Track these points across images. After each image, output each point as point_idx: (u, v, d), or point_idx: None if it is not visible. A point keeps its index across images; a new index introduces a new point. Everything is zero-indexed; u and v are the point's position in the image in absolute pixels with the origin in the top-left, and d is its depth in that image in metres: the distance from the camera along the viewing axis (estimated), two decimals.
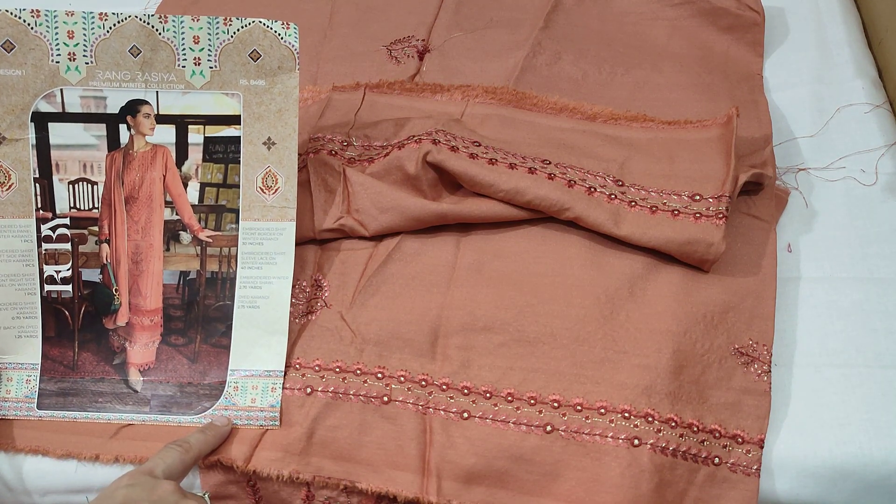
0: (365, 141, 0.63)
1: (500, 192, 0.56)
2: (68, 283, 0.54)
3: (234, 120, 0.53)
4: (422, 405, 0.51)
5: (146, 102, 0.53)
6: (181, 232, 0.55)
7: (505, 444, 0.49)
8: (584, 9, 0.75)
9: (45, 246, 0.54)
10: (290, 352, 0.53)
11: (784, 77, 0.69)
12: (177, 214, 0.54)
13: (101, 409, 0.53)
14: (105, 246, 0.54)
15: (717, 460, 0.48)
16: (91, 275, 0.54)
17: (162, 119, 0.53)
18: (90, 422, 0.53)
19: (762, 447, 0.48)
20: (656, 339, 0.51)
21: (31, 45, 0.51)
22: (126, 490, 0.43)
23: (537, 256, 0.56)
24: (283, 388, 0.52)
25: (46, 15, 0.51)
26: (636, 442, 0.47)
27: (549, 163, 0.58)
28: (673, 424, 0.48)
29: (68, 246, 0.54)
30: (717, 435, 0.49)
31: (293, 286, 0.55)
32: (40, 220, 0.54)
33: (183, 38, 0.52)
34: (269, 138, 0.54)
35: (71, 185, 0.54)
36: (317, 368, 0.53)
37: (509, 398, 0.50)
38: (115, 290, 0.54)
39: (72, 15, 0.51)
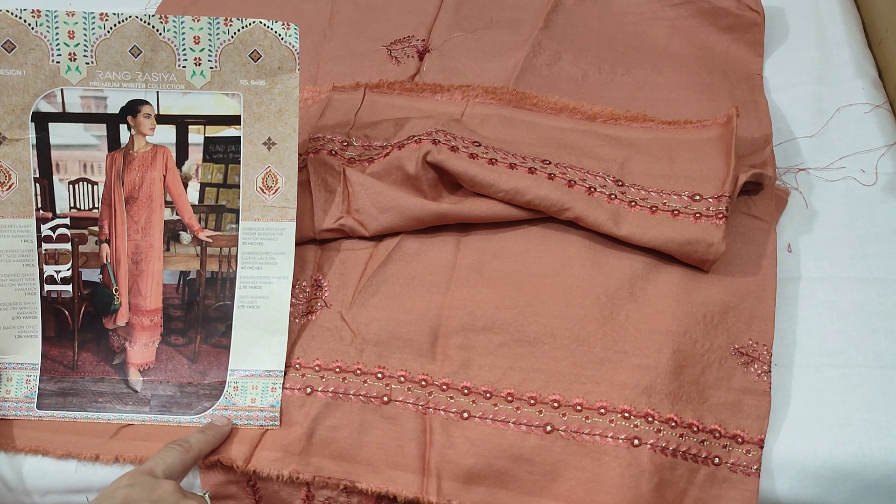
0: (365, 141, 0.63)
1: (500, 192, 0.56)
2: (68, 283, 0.54)
3: (234, 120, 0.53)
4: (422, 405, 0.51)
5: (146, 102, 0.53)
6: (181, 232, 0.55)
7: (505, 444, 0.49)
8: (584, 9, 0.75)
9: (45, 246, 0.54)
10: (290, 352, 0.53)
11: (784, 77, 0.69)
12: (177, 214, 0.54)
13: (101, 409, 0.53)
14: (105, 246, 0.54)
15: (717, 460, 0.48)
16: (91, 275, 0.54)
17: (162, 119, 0.53)
18: (90, 422, 0.53)
19: (762, 447, 0.48)
20: (656, 339, 0.51)
21: (31, 46, 0.51)
22: (126, 490, 0.43)
23: (537, 256, 0.56)
24: (283, 388, 0.52)
25: (47, 15, 0.51)
26: (636, 442, 0.47)
27: (549, 163, 0.58)
28: (673, 424, 0.48)
29: (68, 246, 0.54)
30: (717, 435, 0.49)
31: (293, 286, 0.55)
32: (40, 220, 0.54)
33: (183, 39, 0.52)
34: (269, 138, 0.54)
35: (71, 185, 0.54)
36: (317, 368, 0.53)
37: (509, 398, 0.50)
38: (115, 290, 0.54)
39: (72, 15, 0.51)
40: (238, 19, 0.52)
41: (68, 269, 0.54)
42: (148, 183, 0.54)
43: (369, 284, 0.56)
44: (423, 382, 0.52)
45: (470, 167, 0.56)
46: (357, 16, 0.77)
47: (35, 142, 0.53)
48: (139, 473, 0.45)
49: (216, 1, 0.81)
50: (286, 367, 0.53)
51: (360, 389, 0.51)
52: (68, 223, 0.54)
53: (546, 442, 0.49)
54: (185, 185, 0.54)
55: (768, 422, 0.49)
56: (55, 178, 0.54)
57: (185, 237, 0.55)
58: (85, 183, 0.54)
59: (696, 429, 0.49)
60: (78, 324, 0.54)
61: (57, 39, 0.51)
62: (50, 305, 0.54)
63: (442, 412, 0.50)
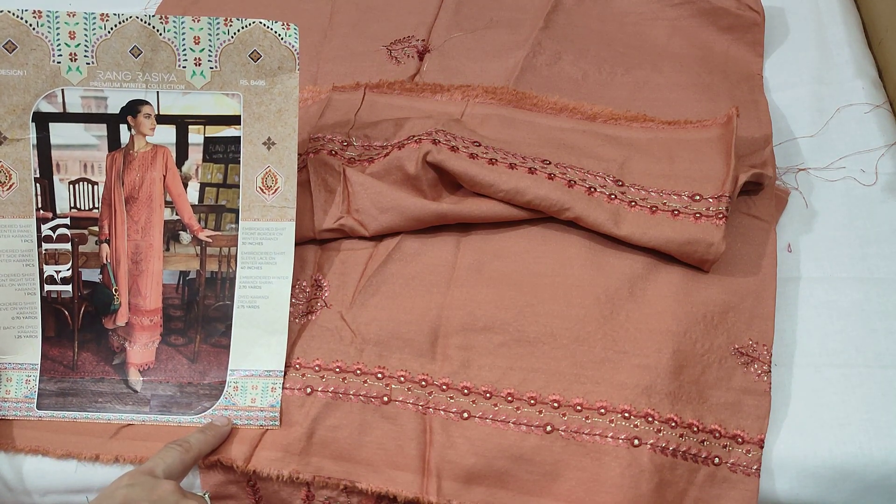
0: (365, 141, 0.63)
1: (500, 192, 0.56)
2: (68, 283, 0.54)
3: (234, 120, 0.54)
4: (422, 405, 0.51)
5: (147, 103, 0.53)
6: (181, 232, 0.55)
7: (505, 444, 0.49)
8: (584, 9, 0.75)
9: (45, 246, 0.54)
10: (290, 352, 0.53)
11: (784, 77, 0.69)
12: (177, 214, 0.55)
13: (100, 409, 0.53)
14: (105, 246, 0.54)
15: (717, 460, 0.48)
16: (91, 275, 0.54)
17: (162, 119, 0.53)
18: (90, 422, 0.53)
19: (762, 447, 0.48)
20: (656, 339, 0.51)
21: (32, 46, 0.51)
22: (126, 490, 0.43)
23: (537, 256, 0.56)
24: (283, 387, 0.52)
25: (48, 15, 0.51)
26: (636, 442, 0.47)
27: (549, 163, 0.58)
28: (673, 424, 0.48)
29: (68, 246, 0.54)
30: (717, 435, 0.49)
31: (293, 286, 0.55)
32: (41, 220, 0.54)
33: (183, 39, 0.52)
34: (268, 138, 0.54)
35: (71, 185, 0.54)
36: (317, 368, 0.53)
37: (509, 398, 0.50)
38: (115, 290, 0.54)
39: (73, 16, 0.51)
40: (238, 19, 0.52)
41: (68, 269, 0.54)
42: (148, 183, 0.54)
43: (369, 284, 0.56)
44: (423, 382, 0.52)
45: (470, 167, 0.56)
46: (357, 16, 0.77)
47: (36, 142, 0.53)
48: (139, 473, 0.45)
49: (216, 1, 0.81)
50: (286, 367, 0.53)
51: (360, 389, 0.51)
52: (68, 223, 0.54)
53: (546, 442, 0.49)
54: (185, 185, 0.54)
55: (768, 422, 0.49)
56: (55, 178, 0.54)
57: (185, 237, 0.55)
58: (85, 183, 0.54)
59: (696, 429, 0.49)
60: (78, 324, 0.54)
61: (58, 40, 0.52)
62: (50, 305, 0.54)
63: (442, 412, 0.50)
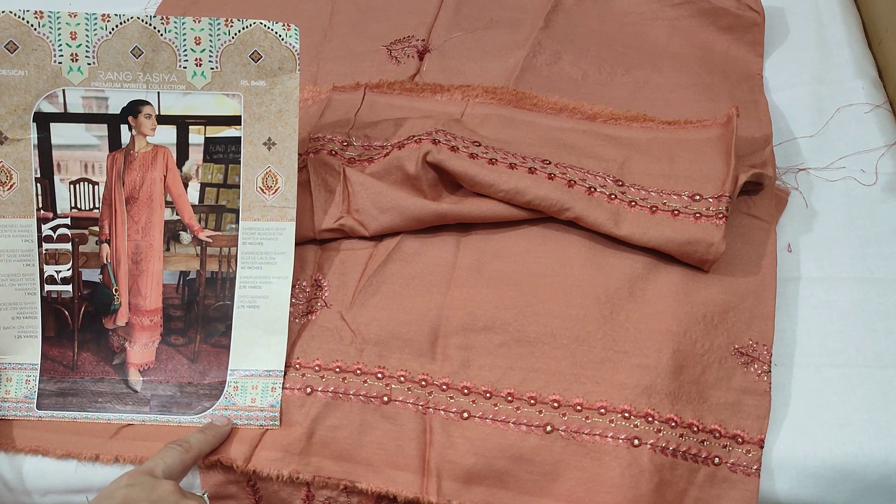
0: (365, 141, 0.63)
1: (500, 192, 0.56)
2: (68, 283, 0.54)
3: (234, 120, 0.54)
4: (422, 405, 0.51)
5: (147, 103, 0.53)
6: (181, 232, 0.55)
7: (505, 444, 0.49)
8: (584, 9, 0.76)
9: (45, 246, 0.54)
10: (290, 352, 0.53)
11: (784, 77, 0.69)
12: (177, 214, 0.55)
13: (100, 409, 0.53)
14: (105, 246, 0.55)
15: (717, 460, 0.48)
16: (91, 275, 0.54)
17: (163, 119, 0.54)
18: (90, 422, 0.53)
19: (762, 447, 0.48)
20: (656, 339, 0.51)
21: (33, 46, 0.52)
22: (126, 490, 0.43)
23: (537, 256, 0.56)
24: (283, 387, 0.52)
25: (49, 16, 0.51)
26: (636, 442, 0.47)
27: (549, 163, 0.58)
28: (673, 424, 0.48)
29: (69, 246, 0.54)
30: (717, 435, 0.49)
31: (293, 286, 0.55)
32: (41, 220, 0.54)
33: (184, 39, 0.52)
34: (269, 139, 0.54)
35: (72, 186, 0.54)
36: (317, 368, 0.53)
37: (509, 398, 0.50)
38: (115, 290, 0.54)
39: (74, 16, 0.52)
40: (239, 20, 0.52)
41: (68, 269, 0.54)
42: (148, 183, 0.54)
43: (369, 284, 0.56)
44: (423, 382, 0.52)
45: (470, 167, 0.56)
46: (357, 16, 0.77)
47: (36, 142, 0.53)
48: (138, 473, 0.45)
49: (216, 1, 0.81)
50: (286, 366, 0.53)
51: (360, 389, 0.51)
52: (69, 223, 0.54)
53: (546, 442, 0.49)
54: (186, 186, 0.55)
55: (768, 422, 0.49)
56: (56, 178, 0.54)
57: (185, 237, 0.55)
58: (86, 183, 0.54)
59: (696, 429, 0.49)
60: (78, 324, 0.54)
61: (59, 40, 0.52)
62: (50, 305, 0.54)
63: (442, 412, 0.50)
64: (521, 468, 0.48)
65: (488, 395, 0.51)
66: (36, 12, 0.51)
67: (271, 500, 0.51)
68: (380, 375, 0.52)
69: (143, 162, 0.54)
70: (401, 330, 0.53)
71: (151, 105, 0.53)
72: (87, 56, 0.52)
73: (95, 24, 0.52)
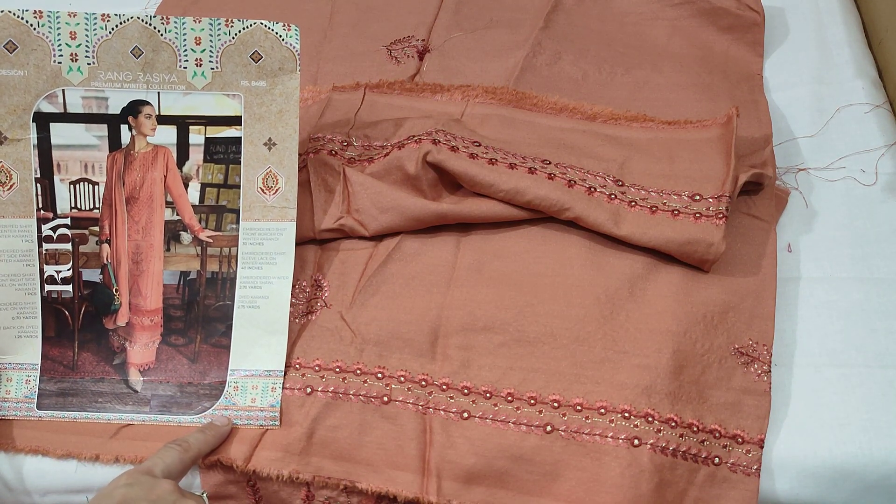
0: (365, 141, 0.63)
1: (500, 192, 0.56)
2: (69, 283, 0.54)
3: (234, 121, 0.54)
4: (422, 405, 0.51)
5: (147, 103, 0.53)
6: (182, 232, 0.55)
7: (505, 444, 0.49)
8: (584, 9, 0.76)
9: (45, 246, 0.54)
10: (290, 352, 0.53)
11: (784, 77, 0.69)
12: (177, 215, 0.55)
13: (101, 409, 0.53)
14: (105, 246, 0.55)
15: (717, 460, 0.48)
16: (91, 275, 0.54)
17: (163, 120, 0.54)
18: (90, 422, 0.53)
19: (762, 447, 0.48)
20: (656, 339, 0.51)
21: (33, 46, 0.52)
22: (124, 489, 0.43)
23: (537, 256, 0.56)
24: (283, 387, 0.52)
25: (49, 16, 0.51)
26: (636, 442, 0.47)
27: (549, 163, 0.58)
28: (673, 424, 0.48)
29: (69, 246, 0.54)
30: (717, 435, 0.49)
31: (293, 286, 0.55)
32: (41, 220, 0.54)
33: (184, 40, 0.52)
34: (269, 139, 0.54)
35: (72, 186, 0.54)
36: (317, 368, 0.53)
37: (509, 398, 0.50)
38: (116, 290, 0.54)
39: (74, 16, 0.52)
40: (239, 20, 0.52)
41: (69, 269, 0.54)
42: (149, 183, 0.54)
43: (369, 284, 0.56)
44: (423, 382, 0.52)
45: (470, 167, 0.56)
46: (357, 16, 0.77)
47: (36, 142, 0.53)
48: (137, 473, 0.45)
49: (216, 1, 0.81)
50: (286, 367, 0.53)
51: (360, 389, 0.51)
52: (69, 223, 0.54)
53: (546, 442, 0.49)
54: (186, 186, 0.55)
55: (768, 422, 0.49)
56: (56, 178, 0.54)
57: (186, 237, 0.55)
58: (86, 183, 0.54)
59: (696, 429, 0.49)
60: (78, 324, 0.54)
61: (59, 40, 0.52)
62: (50, 305, 0.54)
63: (442, 412, 0.50)
64: (521, 468, 0.49)
65: (488, 395, 0.51)
66: (35, 12, 0.51)
67: (271, 500, 0.51)
68: (380, 375, 0.52)
69: (144, 162, 0.54)
70: (401, 330, 0.53)
71: (151, 105, 0.53)
72: (86, 56, 0.52)
73: (95, 23, 0.52)
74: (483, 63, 0.70)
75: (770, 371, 0.51)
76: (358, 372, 0.52)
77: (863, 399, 0.50)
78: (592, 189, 0.56)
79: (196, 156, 0.54)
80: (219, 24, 0.52)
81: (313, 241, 0.59)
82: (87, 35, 0.52)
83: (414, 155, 0.57)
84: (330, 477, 0.50)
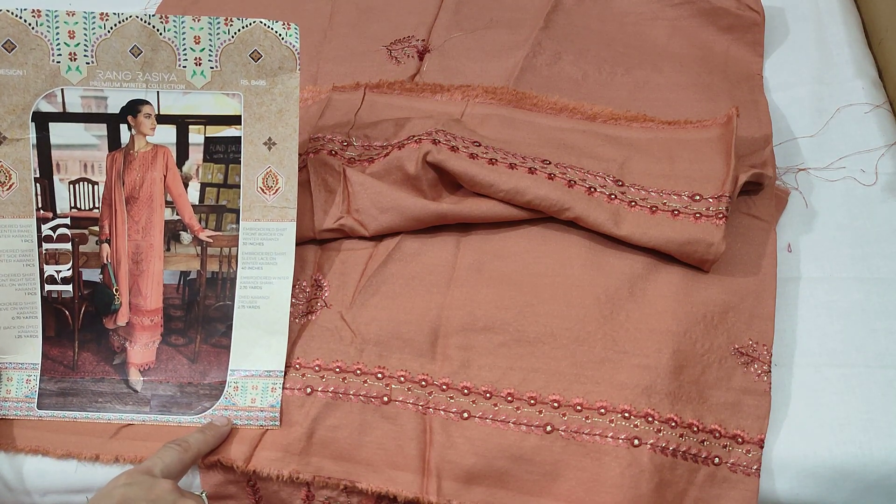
0: (365, 141, 0.63)
1: (500, 192, 0.56)
2: (69, 283, 0.54)
3: (234, 120, 0.53)
4: (422, 405, 0.51)
5: (147, 102, 0.53)
6: (182, 232, 0.55)
7: (505, 444, 0.49)
8: (584, 9, 0.76)
9: (45, 246, 0.54)
10: (290, 352, 0.53)
11: (784, 77, 0.69)
12: (177, 214, 0.55)
13: (101, 409, 0.53)
14: (105, 246, 0.54)
15: (717, 460, 0.48)
16: (91, 275, 0.54)
17: (163, 119, 0.53)
18: (90, 422, 0.53)
19: (762, 447, 0.48)
20: (656, 339, 0.51)
21: (31, 45, 0.51)
22: (124, 489, 0.43)
23: (537, 256, 0.56)
24: (283, 388, 0.52)
25: (47, 15, 0.51)
26: (636, 442, 0.47)
27: (549, 163, 0.58)
28: (673, 424, 0.48)
29: (69, 246, 0.54)
30: (717, 435, 0.49)
31: (293, 286, 0.55)
32: (41, 220, 0.54)
33: (184, 39, 0.52)
34: (269, 138, 0.54)
35: (72, 185, 0.54)
36: (317, 368, 0.53)
37: (509, 398, 0.50)
38: (116, 290, 0.54)
39: (73, 15, 0.51)
40: (238, 19, 0.52)
41: (69, 269, 0.54)
42: (148, 183, 0.54)
43: (369, 284, 0.56)
44: (423, 382, 0.52)
45: (470, 167, 0.56)
46: (357, 16, 0.77)
47: (35, 142, 0.53)
48: (137, 472, 0.45)
49: (216, 1, 0.81)
50: (286, 367, 0.53)
51: (360, 389, 0.51)
52: (69, 223, 0.54)
53: (546, 442, 0.49)
54: (186, 185, 0.54)
55: (768, 422, 0.49)
56: (56, 177, 0.54)
57: (186, 237, 0.55)
58: (85, 183, 0.54)
59: (696, 429, 0.49)
60: (78, 324, 0.54)
61: (57, 39, 0.51)
62: (50, 305, 0.54)
63: (442, 412, 0.50)
64: (521, 468, 0.49)
65: (488, 395, 0.51)
66: (33, 11, 0.51)
67: (271, 500, 0.51)
68: (380, 375, 0.52)
69: (143, 162, 0.54)
70: (401, 330, 0.53)
71: (151, 104, 0.53)
72: (85, 55, 0.52)
73: (94, 22, 0.51)
74: (483, 63, 0.70)
75: (770, 371, 0.51)
76: (358, 372, 0.52)
77: (863, 399, 0.50)
78: (592, 189, 0.56)
79: (196, 155, 0.54)
80: (218, 23, 0.52)
81: (313, 241, 0.59)
82: (85, 34, 0.52)
83: (414, 155, 0.57)
84: (330, 477, 0.50)
